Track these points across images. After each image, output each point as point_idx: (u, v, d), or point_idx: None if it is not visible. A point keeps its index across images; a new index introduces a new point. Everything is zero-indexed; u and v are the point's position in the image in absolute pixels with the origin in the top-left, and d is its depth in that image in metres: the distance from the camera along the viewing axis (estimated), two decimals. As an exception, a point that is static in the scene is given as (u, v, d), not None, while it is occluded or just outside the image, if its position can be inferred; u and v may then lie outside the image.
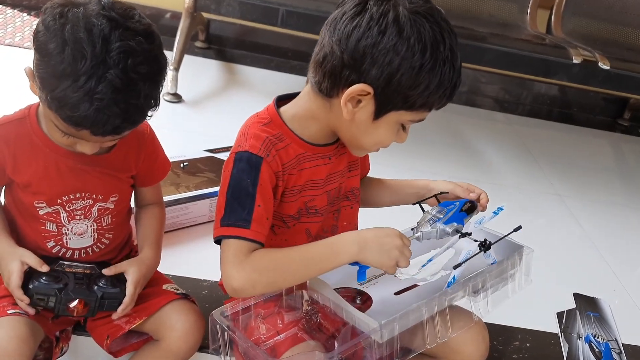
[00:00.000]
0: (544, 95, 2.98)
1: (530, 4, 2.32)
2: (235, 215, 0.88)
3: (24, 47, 2.22)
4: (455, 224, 0.97)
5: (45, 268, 0.94)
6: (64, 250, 1.00)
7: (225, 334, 0.91)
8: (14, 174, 0.94)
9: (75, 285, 0.94)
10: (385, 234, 0.89)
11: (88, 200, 0.98)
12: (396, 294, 1.02)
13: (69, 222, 0.98)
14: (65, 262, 0.99)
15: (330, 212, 1.04)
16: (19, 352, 0.88)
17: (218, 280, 1.20)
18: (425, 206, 1.03)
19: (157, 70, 0.86)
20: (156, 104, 0.89)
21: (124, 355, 1.06)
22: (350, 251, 0.88)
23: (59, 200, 0.96)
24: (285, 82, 2.52)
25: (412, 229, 0.98)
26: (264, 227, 0.90)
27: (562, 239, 1.85)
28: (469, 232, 0.99)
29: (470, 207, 1.03)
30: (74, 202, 0.97)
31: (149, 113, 0.89)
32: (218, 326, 0.92)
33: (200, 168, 1.56)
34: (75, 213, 0.98)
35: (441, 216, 0.97)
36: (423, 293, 1.01)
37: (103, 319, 1.03)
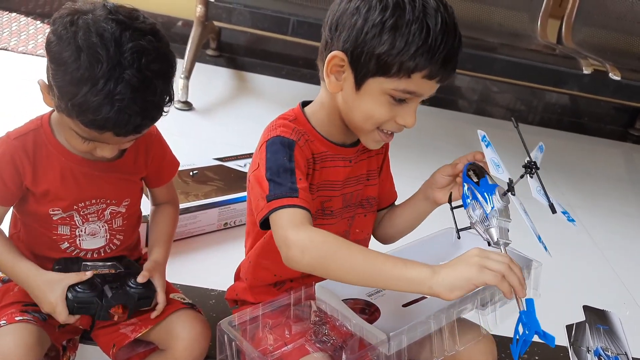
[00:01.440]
0: (555, 105, 2.98)
1: (541, 13, 2.32)
2: (280, 189, 0.86)
3: (36, 55, 2.26)
4: (496, 193, 0.90)
5: (89, 274, 0.96)
6: (77, 251, 1.02)
7: (233, 344, 0.92)
8: (32, 184, 0.96)
9: (112, 291, 0.96)
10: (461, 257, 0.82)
11: (102, 205, 1.01)
12: (404, 305, 1.02)
13: (83, 224, 1.01)
14: (89, 263, 1.01)
15: (345, 218, 1.04)
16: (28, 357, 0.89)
17: (225, 289, 1.22)
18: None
19: (168, 67, 0.89)
20: (171, 99, 0.91)
21: (129, 364, 1.07)
22: (421, 269, 0.81)
23: (74, 207, 0.98)
24: (296, 90, 2.53)
25: (490, 245, 0.90)
26: (310, 199, 0.88)
27: (572, 249, 1.84)
28: (519, 177, 0.91)
29: (475, 169, 0.97)
30: (88, 207, 1.00)
31: (165, 109, 0.91)
32: (225, 336, 0.92)
33: (210, 177, 1.57)
34: (89, 216, 1.01)
35: (480, 209, 0.90)
36: (432, 305, 1.01)
37: (109, 327, 1.04)
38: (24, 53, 2.30)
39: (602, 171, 2.51)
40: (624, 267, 1.78)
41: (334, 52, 0.87)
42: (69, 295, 0.93)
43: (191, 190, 1.49)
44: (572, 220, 0.87)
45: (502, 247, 0.84)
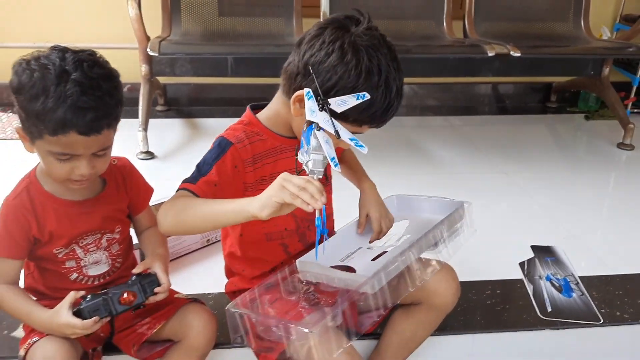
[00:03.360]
0: (478, 95, 3.29)
1: (444, 16, 2.62)
2: (191, 176, 1.09)
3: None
4: (312, 133, 1.01)
5: (81, 292, 1.06)
6: (85, 279, 1.15)
7: (245, 317, 1.03)
8: (39, 233, 1.08)
9: (113, 288, 1.07)
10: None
11: (97, 235, 1.15)
12: (372, 260, 1.21)
13: (85, 255, 1.14)
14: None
15: None
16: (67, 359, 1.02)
17: (220, 291, 1.38)
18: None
19: (110, 73, 1.01)
20: (121, 103, 1.02)
21: (152, 361, 1.21)
22: (242, 200, 0.98)
23: (74, 242, 1.12)
24: (244, 126, 2.73)
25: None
26: (210, 191, 1.07)
27: (513, 205, 2.09)
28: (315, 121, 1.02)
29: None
30: (85, 238, 1.13)
31: (117, 111, 1.01)
32: (237, 314, 1.04)
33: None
34: (89, 247, 1.14)
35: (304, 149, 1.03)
36: (394, 254, 1.19)
37: (127, 329, 1.18)
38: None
39: (531, 142, 2.79)
40: (559, 210, 2.04)
41: (305, 92, 1.00)
42: (81, 306, 1.03)
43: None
44: (361, 146, 1.02)
45: (315, 175, 0.97)
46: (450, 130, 2.90)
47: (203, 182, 1.08)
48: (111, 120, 1.00)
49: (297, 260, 1.14)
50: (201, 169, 1.10)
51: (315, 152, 0.99)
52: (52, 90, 0.94)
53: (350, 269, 1.21)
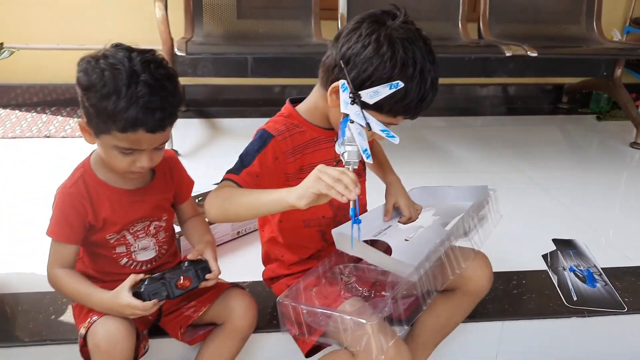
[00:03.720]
0: (490, 97, 3.34)
1: (459, 18, 2.67)
2: (234, 167, 1.14)
3: (25, 137, 2.45)
4: (347, 125, 1.05)
5: (140, 275, 1.10)
6: (135, 264, 1.20)
7: (300, 308, 1.08)
8: (94, 219, 1.13)
9: (168, 273, 1.11)
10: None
11: (146, 222, 1.20)
12: (406, 240, 1.24)
13: (135, 241, 1.19)
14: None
15: None
16: (127, 338, 1.06)
17: (253, 280, 1.43)
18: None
19: (172, 73, 1.06)
20: (181, 101, 1.08)
21: (196, 343, 1.25)
22: (282, 190, 1.02)
23: (125, 228, 1.17)
24: (259, 125, 2.78)
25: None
26: (252, 181, 1.12)
27: (531, 200, 2.13)
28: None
29: None
30: (136, 225, 1.18)
31: (179, 109, 1.07)
32: (290, 305, 1.08)
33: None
34: (138, 233, 1.19)
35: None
36: (427, 235, 1.24)
37: (174, 312, 1.23)
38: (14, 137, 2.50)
39: (544, 141, 2.84)
40: (578, 205, 2.08)
41: (339, 83, 1.05)
42: (140, 289, 1.08)
43: (202, 212, 1.69)
44: (393, 137, 1.05)
45: (351, 166, 1.01)
46: (463, 129, 2.94)
47: (246, 173, 1.12)
48: (174, 118, 1.06)
49: (334, 231, 1.15)
50: (244, 160, 1.14)
51: (350, 144, 1.03)
52: (124, 91, 0.99)
53: (385, 246, 1.23)
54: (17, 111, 2.86)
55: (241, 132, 2.74)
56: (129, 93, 0.99)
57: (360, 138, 1.03)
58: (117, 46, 1.05)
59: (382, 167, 1.40)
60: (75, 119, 2.69)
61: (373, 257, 1.16)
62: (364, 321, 1.01)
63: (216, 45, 2.37)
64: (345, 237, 1.15)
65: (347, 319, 1.03)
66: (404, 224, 1.32)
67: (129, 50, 1.04)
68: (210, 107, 3.00)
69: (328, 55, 1.11)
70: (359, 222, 1.05)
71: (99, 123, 1.04)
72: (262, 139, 1.16)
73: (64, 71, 2.86)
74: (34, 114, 2.83)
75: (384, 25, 1.05)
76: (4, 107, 2.90)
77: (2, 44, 1.35)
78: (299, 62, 2.29)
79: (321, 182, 0.96)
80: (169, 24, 2.32)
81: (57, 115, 2.81)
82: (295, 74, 2.42)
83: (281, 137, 1.16)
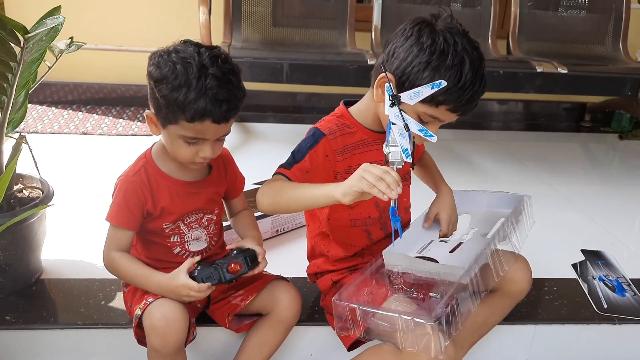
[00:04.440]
0: (514, 112, 3.39)
1: (489, 34, 2.73)
2: (286, 162, 1.20)
3: (62, 133, 2.53)
4: (391, 128, 1.10)
5: (197, 258, 1.17)
6: (187, 253, 1.25)
7: (358, 310, 1.09)
8: (152, 207, 1.19)
9: (219, 260, 1.17)
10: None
11: (199, 214, 1.25)
12: (450, 252, 1.28)
13: (189, 232, 1.25)
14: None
15: None
16: (182, 319, 1.11)
17: (296, 276, 1.47)
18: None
19: (236, 68, 1.11)
20: (244, 94, 1.12)
21: (242, 332, 1.30)
22: (330, 185, 1.07)
23: (180, 219, 1.23)
24: (289, 130, 2.87)
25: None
26: (302, 176, 1.17)
27: (559, 212, 2.18)
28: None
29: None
30: (190, 216, 1.24)
31: (242, 103, 1.12)
32: (347, 305, 1.09)
33: (251, 198, 1.84)
34: (192, 224, 1.25)
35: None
36: (470, 246, 1.28)
37: (222, 300, 1.28)
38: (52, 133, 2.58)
39: (569, 157, 2.89)
40: (605, 219, 2.12)
41: (385, 74, 1.12)
42: (194, 273, 1.14)
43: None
44: (431, 136, 1.09)
45: (395, 166, 1.07)
46: (489, 143, 3.00)
47: (297, 168, 1.18)
48: (237, 111, 1.11)
49: (384, 252, 1.19)
50: (296, 156, 1.20)
51: (393, 145, 1.09)
52: (194, 83, 1.04)
53: (432, 260, 1.26)
54: (53, 108, 2.95)
55: (272, 135, 2.81)
56: (199, 85, 1.04)
57: (401, 138, 1.08)
58: (186, 42, 1.11)
59: (433, 176, 1.44)
60: (110, 118, 2.77)
61: (422, 268, 1.18)
62: (424, 322, 1.02)
63: (255, 50, 2.44)
64: (392, 253, 1.19)
65: (407, 319, 1.04)
66: (439, 237, 1.35)
67: (197, 45, 1.10)
68: (242, 111, 3.06)
69: (378, 59, 1.18)
70: (399, 219, 1.10)
71: (168, 113, 1.09)
72: (314, 136, 1.21)
73: (98, 70, 2.97)
74: (70, 111, 2.92)
75: (428, 22, 1.12)
76: (40, 104, 2.99)
77: (72, 38, 1.42)
78: (334, 70, 2.35)
79: (364, 181, 1.00)
80: (210, 29, 2.39)
81: (92, 113, 2.89)
82: (329, 81, 2.48)
83: (332, 136, 1.21)
